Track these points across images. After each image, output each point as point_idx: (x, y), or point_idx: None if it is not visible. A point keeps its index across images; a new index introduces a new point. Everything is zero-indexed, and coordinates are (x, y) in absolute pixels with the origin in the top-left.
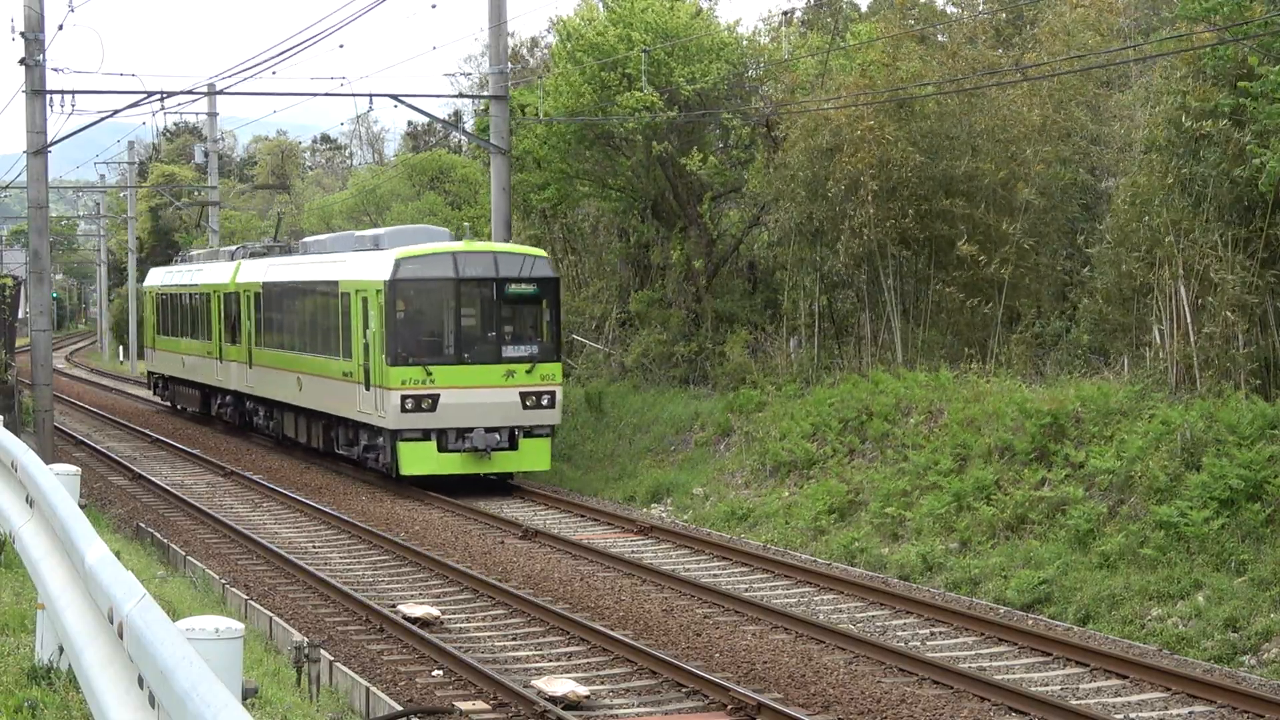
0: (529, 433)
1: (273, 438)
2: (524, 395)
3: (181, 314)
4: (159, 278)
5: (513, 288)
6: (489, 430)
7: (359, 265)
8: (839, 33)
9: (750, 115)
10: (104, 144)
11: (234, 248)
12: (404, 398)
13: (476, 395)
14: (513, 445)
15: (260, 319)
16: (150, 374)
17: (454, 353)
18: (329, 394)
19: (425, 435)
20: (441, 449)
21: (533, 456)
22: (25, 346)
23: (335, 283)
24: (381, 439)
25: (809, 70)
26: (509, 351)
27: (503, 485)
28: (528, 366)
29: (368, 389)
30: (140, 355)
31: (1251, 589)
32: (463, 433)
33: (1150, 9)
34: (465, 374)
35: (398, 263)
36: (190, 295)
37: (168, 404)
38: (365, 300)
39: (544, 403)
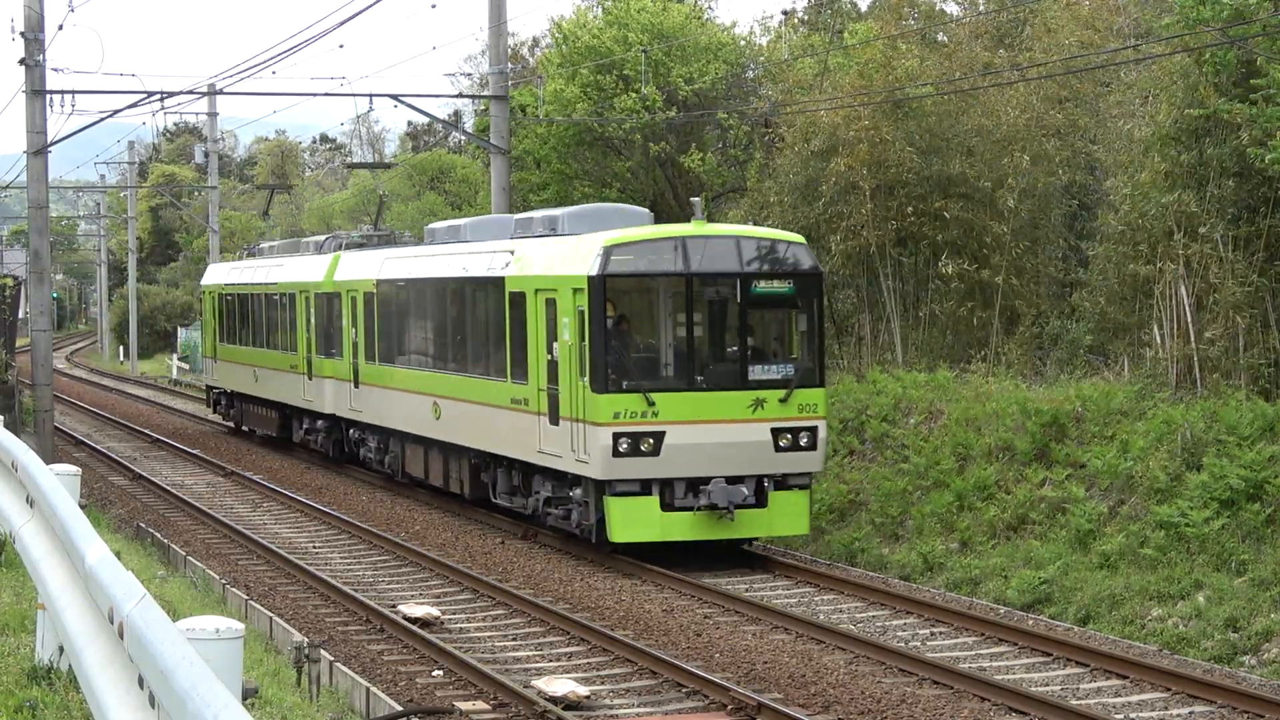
0: (781, 483)
1: (385, 475)
2: (777, 433)
3: (254, 318)
4: (221, 275)
5: (762, 285)
6: (731, 481)
7: (538, 256)
8: (837, 32)
9: (748, 115)
10: (104, 144)
11: (322, 238)
12: (617, 436)
13: (715, 433)
14: (760, 501)
15: (373, 326)
16: (210, 389)
17: (683, 375)
18: (487, 427)
19: (644, 488)
20: (666, 506)
21: (787, 516)
22: (25, 346)
23: (498, 280)
24: (578, 491)
25: (807, 70)
26: (757, 373)
27: (736, 550)
28: (782, 394)
29: (555, 423)
30: (135, 358)
31: (1251, 589)
32: (695, 484)
33: (1146, 7)
34: (699, 404)
35: (607, 252)
36: (266, 296)
37: (231, 425)
38: (552, 303)
39: (803, 442)
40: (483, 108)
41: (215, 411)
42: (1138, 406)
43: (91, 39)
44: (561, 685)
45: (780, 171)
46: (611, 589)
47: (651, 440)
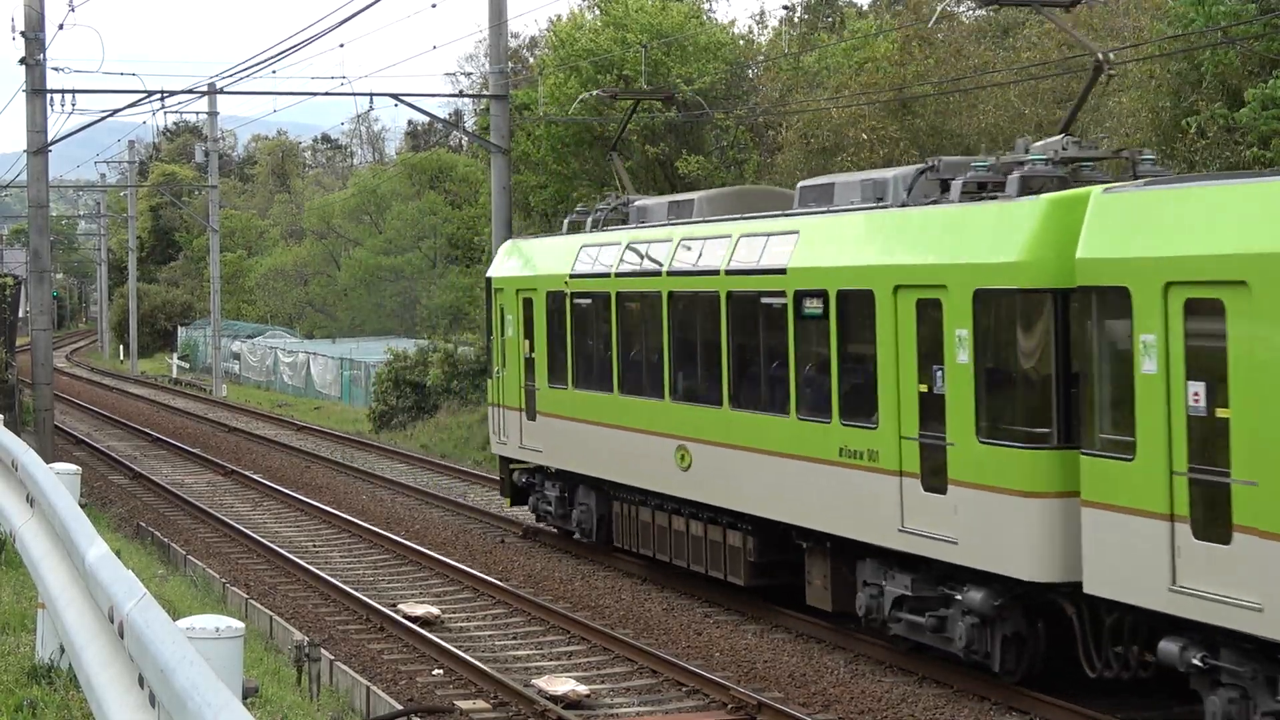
0: None
1: None
2: None
3: (676, 344)
4: (549, 258)
5: None
6: None
7: None
8: (826, 29)
9: (744, 117)
10: (104, 143)
11: (903, 171)
12: None
13: None
14: None
15: None
16: (511, 465)
17: None
18: None
19: None
20: None
21: None
22: (25, 345)
23: None
24: None
25: (792, 66)
26: None
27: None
28: None
29: None
30: (135, 356)
31: None
32: None
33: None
34: None
35: None
36: (734, 297)
37: (554, 529)
38: None
39: None
40: (483, 107)
41: (521, 503)
42: None
43: (92, 38)
44: (562, 684)
45: (782, 169)
46: (611, 588)
47: None
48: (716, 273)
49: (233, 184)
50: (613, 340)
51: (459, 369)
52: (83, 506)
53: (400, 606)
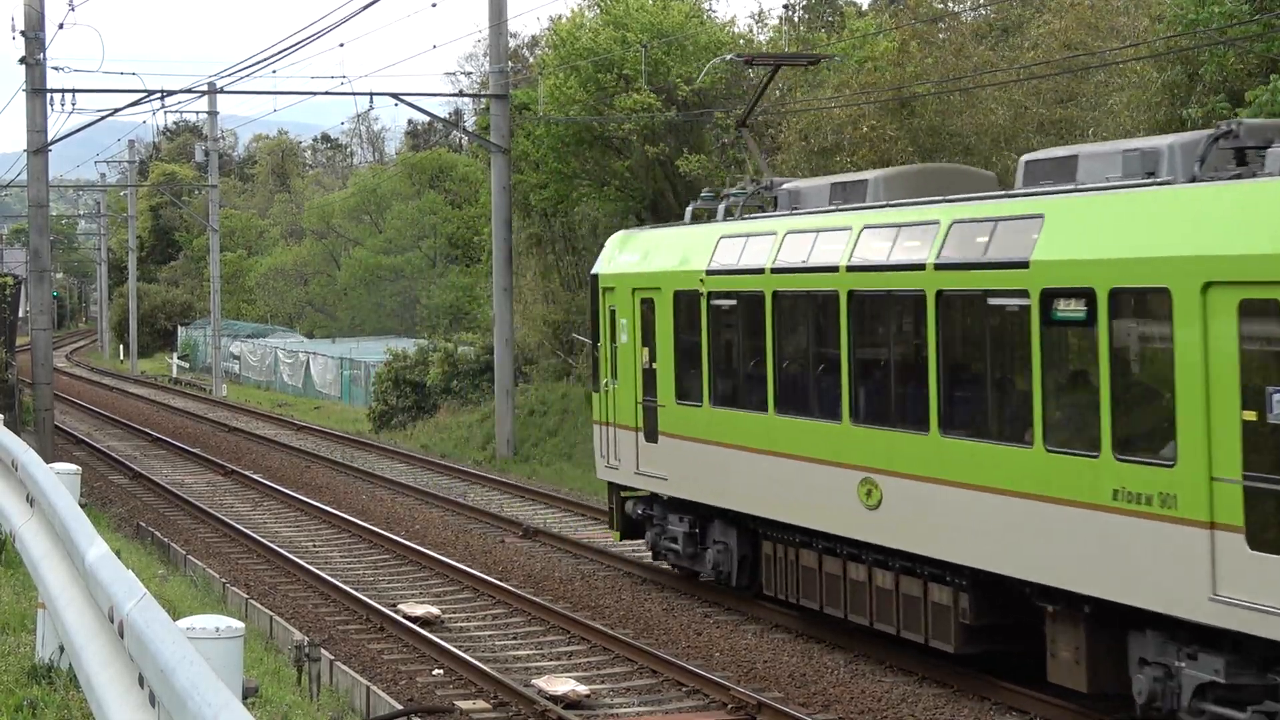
0: None
1: None
2: None
3: (860, 350)
4: (684, 250)
5: None
6: None
7: None
8: (825, 28)
9: (740, 117)
10: (104, 142)
11: (1194, 134)
12: None
13: None
14: None
15: None
16: (621, 492)
17: None
18: None
19: None
20: None
21: None
22: (25, 345)
23: None
24: None
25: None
26: None
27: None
28: None
29: None
30: (135, 356)
31: None
32: None
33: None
34: None
35: None
36: (946, 298)
37: (684, 570)
38: None
39: None
40: (483, 107)
41: (635, 537)
42: None
43: (92, 37)
44: (562, 684)
45: (783, 169)
46: (611, 588)
47: None
48: (920, 267)
49: (233, 184)
50: (767, 349)
51: (459, 369)
52: (83, 506)
53: (400, 606)
